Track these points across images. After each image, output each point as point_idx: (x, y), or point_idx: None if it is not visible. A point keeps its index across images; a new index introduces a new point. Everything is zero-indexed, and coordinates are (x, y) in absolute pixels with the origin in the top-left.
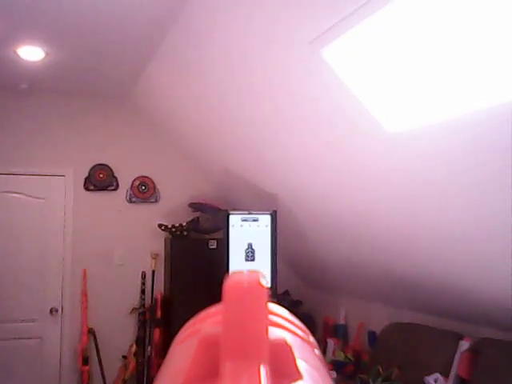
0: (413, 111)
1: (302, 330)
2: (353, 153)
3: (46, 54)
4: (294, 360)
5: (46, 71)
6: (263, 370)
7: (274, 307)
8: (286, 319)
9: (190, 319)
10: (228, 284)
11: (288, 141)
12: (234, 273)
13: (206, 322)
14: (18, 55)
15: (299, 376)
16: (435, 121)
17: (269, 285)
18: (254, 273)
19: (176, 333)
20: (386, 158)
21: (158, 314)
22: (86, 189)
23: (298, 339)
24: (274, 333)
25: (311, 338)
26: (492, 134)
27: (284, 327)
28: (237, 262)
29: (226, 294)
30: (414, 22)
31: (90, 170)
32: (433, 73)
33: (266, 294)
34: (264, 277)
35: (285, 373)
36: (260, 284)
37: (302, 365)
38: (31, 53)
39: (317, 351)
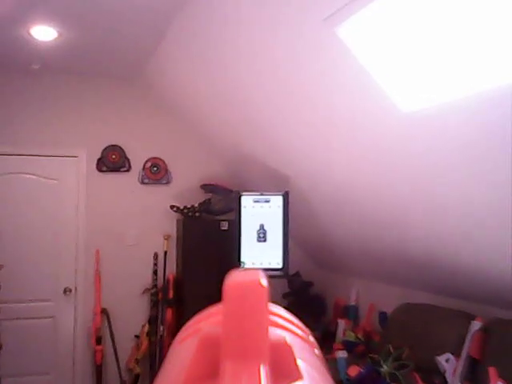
0: (427, 90)
1: (302, 330)
2: (367, 133)
3: (59, 34)
4: (294, 360)
5: (59, 51)
6: (263, 370)
7: (274, 307)
8: (285, 319)
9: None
10: (228, 284)
11: (301, 121)
12: (234, 272)
13: (206, 322)
14: (31, 35)
15: (299, 376)
16: (449, 100)
17: (280, 266)
18: (254, 273)
19: (187, 313)
20: (400, 138)
21: (170, 294)
22: (99, 170)
23: (298, 339)
24: (274, 333)
25: (311, 338)
26: (507, 111)
27: (284, 327)
28: (248, 243)
29: (226, 294)
30: (429, 0)
31: (103, 151)
32: (448, 51)
33: (266, 294)
34: (264, 277)
35: (285, 373)
36: (260, 284)
37: (301, 365)
38: (44, 33)
39: (317, 351)
